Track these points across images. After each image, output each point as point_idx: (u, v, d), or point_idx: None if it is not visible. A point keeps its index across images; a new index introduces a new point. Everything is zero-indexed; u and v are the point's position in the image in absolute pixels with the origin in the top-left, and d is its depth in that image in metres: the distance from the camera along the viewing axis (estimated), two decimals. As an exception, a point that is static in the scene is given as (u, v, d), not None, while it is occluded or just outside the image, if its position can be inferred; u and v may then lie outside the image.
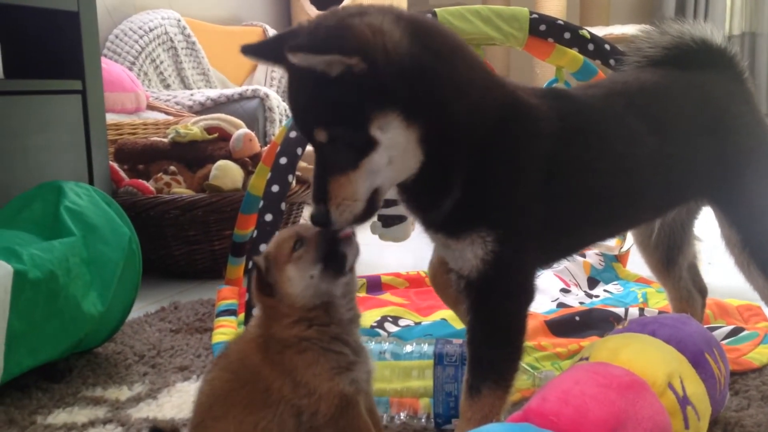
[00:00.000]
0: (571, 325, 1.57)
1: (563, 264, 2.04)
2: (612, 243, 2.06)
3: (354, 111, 0.88)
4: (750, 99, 1.24)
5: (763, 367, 1.38)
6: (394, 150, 0.90)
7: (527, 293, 1.03)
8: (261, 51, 0.99)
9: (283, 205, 1.47)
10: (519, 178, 0.98)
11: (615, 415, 0.80)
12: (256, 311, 1.38)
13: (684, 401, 0.91)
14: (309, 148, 2.05)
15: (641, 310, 1.65)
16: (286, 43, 0.87)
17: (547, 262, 1.11)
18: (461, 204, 0.96)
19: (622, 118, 1.10)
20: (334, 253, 0.93)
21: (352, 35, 0.86)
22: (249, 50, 0.98)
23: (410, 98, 0.89)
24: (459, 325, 1.63)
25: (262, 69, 3.98)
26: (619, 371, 0.89)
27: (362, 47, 0.85)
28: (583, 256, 2.19)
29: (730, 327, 1.55)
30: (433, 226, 1.01)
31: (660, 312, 1.66)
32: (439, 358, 1.14)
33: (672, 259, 1.40)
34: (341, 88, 0.86)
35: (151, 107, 2.79)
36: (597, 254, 2.08)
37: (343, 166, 0.90)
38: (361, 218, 0.93)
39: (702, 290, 1.44)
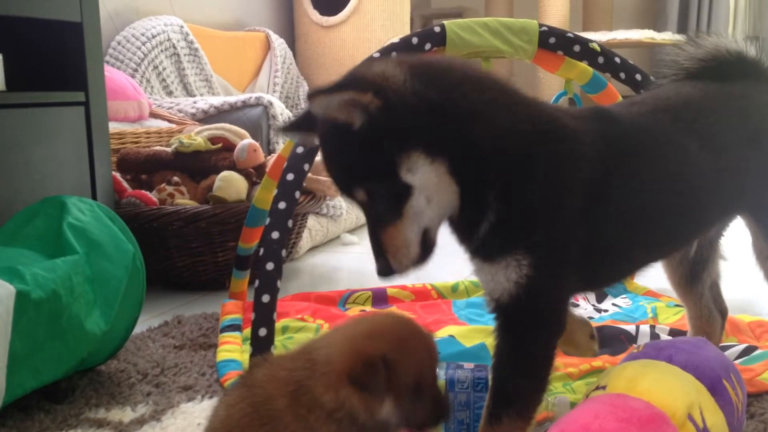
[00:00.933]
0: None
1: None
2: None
3: (381, 161, 0.92)
4: None
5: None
6: (429, 189, 0.93)
7: (559, 324, 1.01)
8: (294, 126, 1.06)
9: (290, 223, 1.44)
10: (557, 202, 0.97)
11: (637, 454, 0.78)
12: (263, 331, 1.36)
13: (705, 434, 0.89)
14: (317, 158, 2.03)
15: (652, 327, 1.63)
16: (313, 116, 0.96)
17: (591, 288, 1.10)
18: (497, 228, 0.96)
19: (671, 136, 1.08)
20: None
21: (363, 77, 0.92)
22: (285, 130, 1.08)
23: (427, 134, 0.91)
24: (468, 342, 1.61)
25: (265, 75, 3.95)
26: (638, 404, 0.86)
27: (373, 85, 0.90)
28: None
29: (743, 345, 1.52)
30: (470, 250, 1.01)
31: (670, 329, 1.64)
32: (450, 384, 1.11)
33: (696, 275, 1.39)
34: (365, 140, 0.90)
35: (153, 115, 2.76)
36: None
37: (389, 218, 0.94)
38: (420, 261, 0.97)
39: (723, 311, 1.42)
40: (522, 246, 0.96)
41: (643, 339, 1.56)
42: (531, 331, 0.99)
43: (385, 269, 0.96)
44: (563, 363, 1.46)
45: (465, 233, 1.00)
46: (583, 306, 1.89)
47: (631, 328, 1.60)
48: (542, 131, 0.97)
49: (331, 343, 0.89)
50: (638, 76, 1.60)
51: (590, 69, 1.63)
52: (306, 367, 0.87)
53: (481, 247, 0.98)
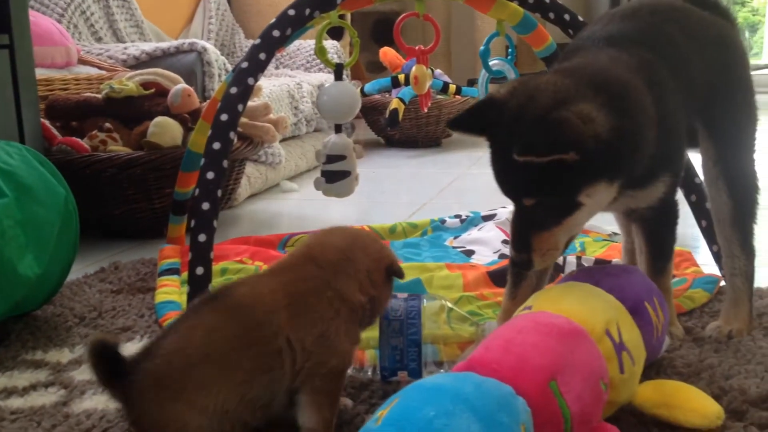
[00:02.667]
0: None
1: (504, 216, 2.08)
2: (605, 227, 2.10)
3: (564, 185, 0.99)
4: (741, 41, 1.36)
5: (692, 310, 1.44)
6: (597, 205, 1.06)
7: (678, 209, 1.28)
8: (467, 127, 1.09)
9: (225, 163, 1.44)
10: (677, 145, 1.18)
11: (554, 362, 0.83)
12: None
13: (620, 347, 0.95)
14: (250, 103, 2.02)
15: (579, 258, 1.70)
16: (488, 118, 1.03)
17: None
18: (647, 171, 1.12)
19: (674, 36, 1.23)
20: None
21: (567, 131, 0.96)
22: (455, 125, 1.09)
23: (615, 166, 1.02)
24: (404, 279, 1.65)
25: (199, 21, 3.86)
26: (559, 320, 0.91)
27: (577, 142, 0.95)
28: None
29: (664, 273, 1.61)
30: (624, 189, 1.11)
31: (596, 259, 1.72)
32: (384, 313, 1.15)
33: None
34: (553, 171, 0.96)
35: (82, 61, 2.68)
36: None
37: (547, 224, 1.03)
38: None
39: None
40: (667, 170, 1.16)
41: (570, 269, 1.63)
42: (670, 217, 1.26)
43: (527, 264, 1.07)
44: (494, 293, 1.52)
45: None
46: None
47: (559, 259, 1.67)
48: (661, 114, 1.10)
49: (335, 250, 1.01)
50: (567, 16, 1.63)
51: (521, 9, 1.65)
52: (316, 276, 0.98)
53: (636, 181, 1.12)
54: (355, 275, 1.00)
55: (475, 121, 1.08)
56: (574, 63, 1.17)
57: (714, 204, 1.34)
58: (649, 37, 1.21)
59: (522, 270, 1.16)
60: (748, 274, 1.33)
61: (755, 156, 1.35)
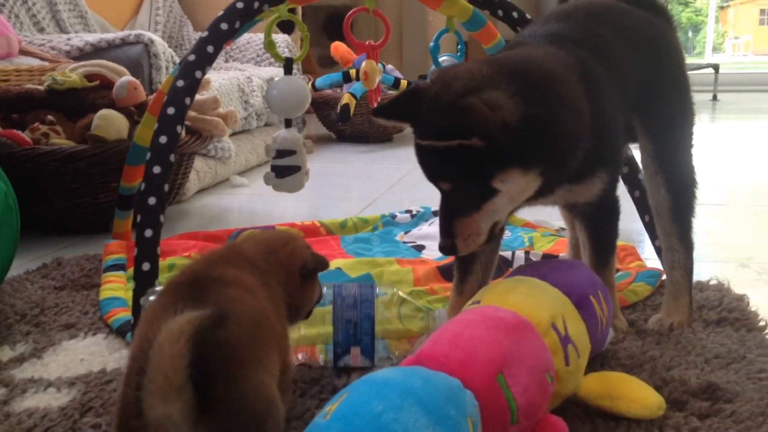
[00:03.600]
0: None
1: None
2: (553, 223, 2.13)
3: (477, 168, 1.00)
4: (678, 40, 1.40)
5: (635, 304, 1.48)
6: (514, 192, 1.05)
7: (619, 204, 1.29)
8: (392, 115, 1.10)
9: (172, 157, 1.42)
10: (613, 138, 1.20)
11: (501, 355, 0.84)
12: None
13: (565, 340, 0.97)
14: (198, 96, 1.99)
15: (527, 253, 1.73)
16: (411, 106, 1.05)
17: None
18: (582, 166, 1.13)
19: (607, 37, 1.26)
20: None
21: (471, 117, 0.97)
22: (380, 114, 1.10)
23: (527, 153, 1.02)
24: (354, 273, 1.65)
25: (146, 12, 3.79)
26: (507, 314, 0.93)
27: (480, 128, 0.97)
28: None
29: (609, 268, 1.64)
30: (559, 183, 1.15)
31: (543, 254, 1.74)
32: (337, 294, 1.17)
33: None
34: (465, 156, 0.99)
35: (24, 52, 2.60)
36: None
37: (467, 209, 1.05)
38: (483, 246, 1.11)
39: None
40: (603, 167, 1.18)
41: (518, 263, 1.65)
42: (611, 214, 1.29)
43: (450, 248, 1.08)
44: (443, 287, 1.53)
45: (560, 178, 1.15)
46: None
47: (507, 254, 1.69)
48: (596, 110, 1.11)
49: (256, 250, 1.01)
50: (515, 14, 1.65)
51: (470, 6, 1.66)
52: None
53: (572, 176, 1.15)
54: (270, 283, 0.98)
55: (399, 109, 1.09)
56: (501, 54, 1.19)
57: (653, 199, 1.37)
58: (584, 37, 1.23)
59: (448, 254, 1.13)
60: (687, 267, 1.36)
61: (692, 151, 1.39)
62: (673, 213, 1.35)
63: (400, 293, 1.22)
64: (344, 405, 0.75)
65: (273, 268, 1.01)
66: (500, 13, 1.64)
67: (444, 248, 1.09)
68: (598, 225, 1.28)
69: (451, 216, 1.06)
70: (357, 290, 1.16)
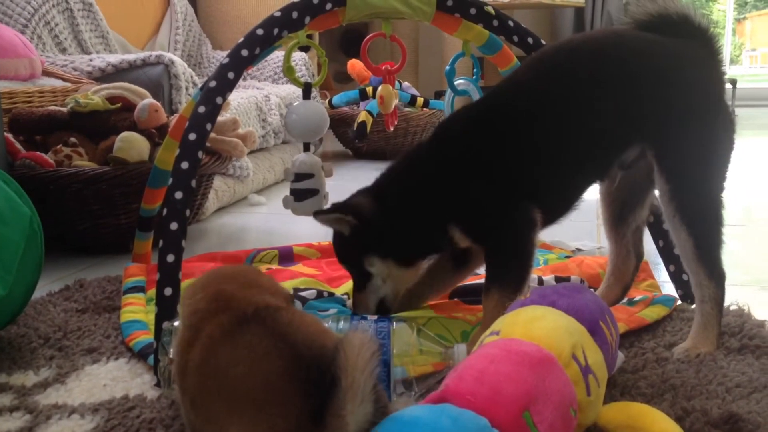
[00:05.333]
0: (478, 292, 1.63)
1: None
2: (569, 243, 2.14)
3: (355, 255, 1.40)
4: (715, 68, 1.35)
5: (657, 327, 1.47)
6: (383, 274, 1.39)
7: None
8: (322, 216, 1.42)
9: (193, 183, 1.44)
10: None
11: (527, 392, 0.85)
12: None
13: (586, 370, 0.97)
14: (218, 118, 2.02)
15: (540, 278, 1.72)
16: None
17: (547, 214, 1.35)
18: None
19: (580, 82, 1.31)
20: None
21: (348, 206, 1.40)
22: (318, 214, 1.43)
23: (379, 244, 1.38)
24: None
25: (165, 32, 3.84)
26: (530, 348, 0.93)
27: (353, 211, 1.37)
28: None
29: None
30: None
31: (556, 278, 1.74)
32: None
33: (623, 217, 1.50)
34: (348, 241, 1.39)
35: (46, 73, 2.65)
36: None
37: (359, 287, 1.42)
38: (377, 314, 1.37)
39: (639, 254, 1.54)
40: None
41: (532, 285, 1.65)
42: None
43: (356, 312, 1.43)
44: (462, 309, 1.53)
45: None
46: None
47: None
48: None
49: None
50: (530, 39, 1.66)
51: (486, 31, 1.67)
52: None
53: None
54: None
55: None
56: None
57: (676, 240, 1.33)
58: (535, 91, 1.34)
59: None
60: (718, 300, 1.33)
61: (720, 185, 1.33)
62: (697, 254, 1.31)
63: (417, 326, 1.22)
64: (372, 444, 0.75)
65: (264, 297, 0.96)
66: (515, 38, 1.65)
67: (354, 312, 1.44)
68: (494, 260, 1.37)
69: (354, 292, 1.45)
70: (373, 330, 1.16)
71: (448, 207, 1.33)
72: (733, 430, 1.07)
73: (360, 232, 1.35)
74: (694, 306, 1.56)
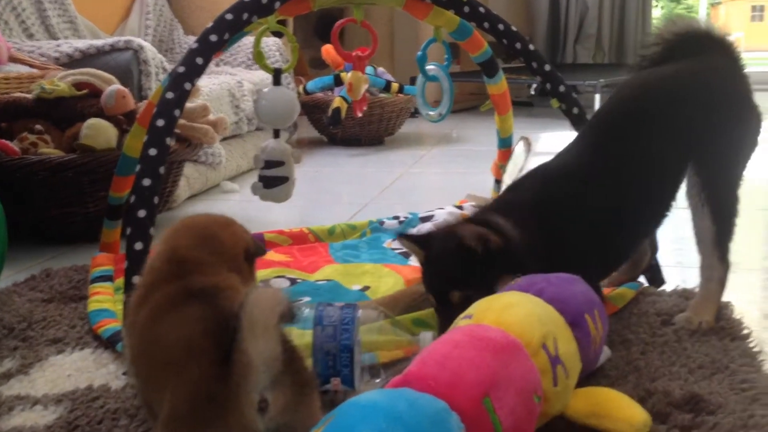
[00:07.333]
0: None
1: (442, 217, 2.11)
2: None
3: (487, 277, 1.23)
4: (741, 75, 1.46)
5: (623, 309, 1.48)
6: None
7: None
8: (414, 239, 1.34)
9: (162, 169, 1.42)
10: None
11: (489, 377, 0.85)
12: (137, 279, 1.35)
13: (555, 360, 0.97)
14: (188, 104, 1.99)
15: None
16: (436, 236, 1.31)
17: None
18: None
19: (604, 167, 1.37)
20: None
21: (495, 225, 1.26)
22: (404, 237, 1.35)
23: (522, 263, 1.24)
24: (350, 285, 1.66)
25: (136, 16, 3.78)
26: (496, 334, 0.93)
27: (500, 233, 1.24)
28: (460, 208, 2.27)
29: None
30: None
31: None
32: (318, 320, 1.16)
33: None
34: (481, 263, 1.22)
35: (12, 59, 2.59)
36: (473, 206, 2.15)
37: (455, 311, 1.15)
38: None
39: (653, 245, 1.63)
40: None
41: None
42: None
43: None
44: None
45: None
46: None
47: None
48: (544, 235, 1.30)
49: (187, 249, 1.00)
50: (501, 26, 1.65)
51: (457, 17, 1.67)
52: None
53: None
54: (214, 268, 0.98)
55: (424, 241, 1.33)
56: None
57: (697, 227, 1.43)
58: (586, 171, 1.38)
59: None
60: (723, 282, 1.43)
61: (740, 182, 1.43)
62: (715, 241, 1.41)
63: (384, 312, 1.22)
64: (330, 429, 0.75)
65: (221, 259, 0.99)
66: (486, 25, 1.64)
67: None
68: None
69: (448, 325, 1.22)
70: (338, 316, 1.16)
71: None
72: (694, 410, 1.09)
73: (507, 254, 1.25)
74: (660, 289, 1.60)
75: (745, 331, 1.36)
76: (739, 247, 1.45)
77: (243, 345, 0.79)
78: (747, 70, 1.47)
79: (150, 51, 2.66)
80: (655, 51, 1.49)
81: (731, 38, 1.49)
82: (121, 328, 1.36)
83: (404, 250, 1.97)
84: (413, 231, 2.16)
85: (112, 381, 1.23)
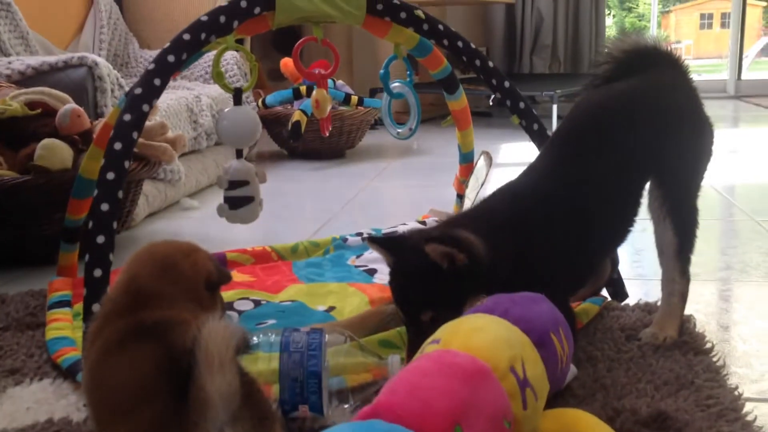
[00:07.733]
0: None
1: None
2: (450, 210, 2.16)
3: (456, 295, 1.22)
4: (691, 86, 1.49)
5: (587, 326, 1.50)
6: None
7: None
8: (383, 243, 1.30)
9: (120, 193, 1.39)
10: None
11: (459, 405, 0.84)
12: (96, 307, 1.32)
13: (524, 383, 0.97)
14: (147, 123, 1.95)
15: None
16: (406, 244, 1.26)
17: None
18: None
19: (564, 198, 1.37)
20: None
21: (462, 240, 1.22)
22: (371, 240, 1.32)
23: (489, 281, 1.23)
24: (315, 305, 1.65)
25: (89, 31, 3.71)
26: (464, 359, 0.92)
27: (467, 248, 1.21)
28: (423, 223, 2.27)
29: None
30: None
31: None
32: (285, 346, 1.14)
33: None
34: (448, 280, 1.20)
35: (-39, 77, 2.52)
36: (436, 221, 2.16)
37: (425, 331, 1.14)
38: None
39: (614, 258, 1.66)
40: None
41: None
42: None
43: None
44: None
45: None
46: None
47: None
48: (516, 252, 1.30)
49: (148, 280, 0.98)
50: (459, 43, 1.67)
51: (417, 35, 1.67)
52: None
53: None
54: (172, 300, 0.96)
55: (394, 245, 1.30)
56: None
57: (660, 240, 1.46)
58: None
59: None
60: (684, 295, 1.46)
61: (699, 193, 1.47)
62: (677, 253, 1.44)
63: (351, 337, 1.21)
64: (300, 464, 0.74)
65: (180, 290, 0.98)
66: (445, 42, 1.65)
67: None
68: None
69: (418, 343, 1.18)
70: (304, 342, 1.14)
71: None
72: (662, 428, 1.10)
73: (474, 269, 1.23)
74: (623, 303, 1.62)
75: (708, 345, 1.39)
76: (696, 258, 1.48)
77: (200, 381, 0.78)
78: (695, 82, 1.50)
79: (105, 67, 2.60)
80: (607, 68, 1.53)
81: (678, 52, 1.53)
82: (80, 357, 1.32)
83: (369, 267, 1.98)
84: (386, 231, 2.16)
85: (72, 413, 1.20)
